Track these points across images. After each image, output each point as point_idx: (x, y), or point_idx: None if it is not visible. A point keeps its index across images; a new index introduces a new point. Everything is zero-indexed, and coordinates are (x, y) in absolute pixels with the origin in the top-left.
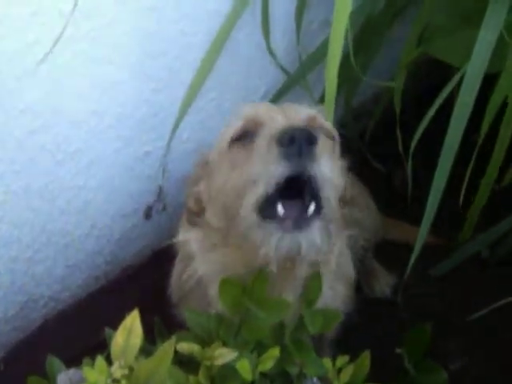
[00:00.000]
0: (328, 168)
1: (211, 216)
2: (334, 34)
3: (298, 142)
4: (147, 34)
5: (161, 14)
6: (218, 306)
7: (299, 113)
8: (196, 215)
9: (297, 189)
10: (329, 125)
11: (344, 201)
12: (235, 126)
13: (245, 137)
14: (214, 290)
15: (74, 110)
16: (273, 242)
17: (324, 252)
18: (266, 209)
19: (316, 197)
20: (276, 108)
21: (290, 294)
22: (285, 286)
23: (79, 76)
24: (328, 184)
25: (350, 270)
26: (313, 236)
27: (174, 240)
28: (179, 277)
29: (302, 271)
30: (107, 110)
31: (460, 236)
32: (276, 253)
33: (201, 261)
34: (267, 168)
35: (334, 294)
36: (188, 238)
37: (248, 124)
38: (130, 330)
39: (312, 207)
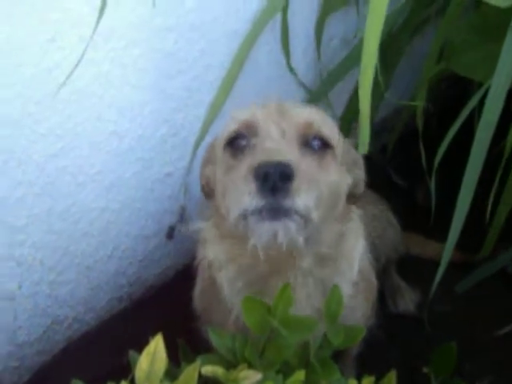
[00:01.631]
0: (306, 199)
1: (219, 204)
2: (366, 49)
3: (271, 179)
4: (165, 55)
5: (178, 35)
6: (236, 310)
7: (296, 118)
8: (208, 195)
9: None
10: (327, 130)
11: (355, 197)
12: (230, 129)
13: (238, 142)
14: (223, 284)
15: (94, 132)
16: (255, 233)
17: (325, 244)
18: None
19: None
20: (272, 112)
21: (301, 290)
22: (290, 278)
23: (98, 98)
24: (308, 208)
25: (371, 278)
26: (289, 226)
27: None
28: (202, 288)
29: (306, 263)
30: (127, 132)
31: (482, 251)
32: (259, 242)
33: (211, 250)
34: (242, 197)
35: (354, 304)
36: (201, 226)
37: (241, 128)
38: (153, 355)
39: (290, 202)
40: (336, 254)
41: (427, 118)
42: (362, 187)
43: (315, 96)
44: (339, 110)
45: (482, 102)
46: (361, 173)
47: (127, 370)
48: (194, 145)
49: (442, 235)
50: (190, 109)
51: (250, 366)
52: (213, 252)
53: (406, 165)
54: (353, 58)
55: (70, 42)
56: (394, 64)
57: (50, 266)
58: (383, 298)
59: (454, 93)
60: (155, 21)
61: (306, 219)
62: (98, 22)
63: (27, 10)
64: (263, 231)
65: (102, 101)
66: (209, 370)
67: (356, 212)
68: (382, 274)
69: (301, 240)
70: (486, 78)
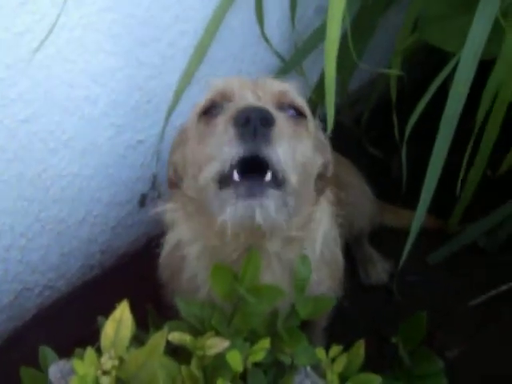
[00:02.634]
0: (285, 150)
1: (186, 186)
2: (330, 18)
3: (252, 123)
4: (139, 21)
5: (152, 1)
6: (205, 285)
7: (270, 87)
8: (174, 185)
9: (256, 163)
10: (300, 101)
11: (324, 179)
12: (204, 98)
13: (212, 110)
14: (190, 262)
15: (66, 97)
16: (228, 209)
17: (295, 227)
18: (222, 181)
19: (274, 172)
20: (248, 82)
21: (268, 273)
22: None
23: (71, 64)
24: (286, 164)
25: (336, 253)
26: (267, 204)
27: (153, 211)
28: (167, 256)
29: (274, 246)
30: (100, 98)
31: (451, 219)
32: (231, 220)
33: (178, 229)
34: (222, 148)
35: (319, 278)
36: (165, 208)
37: (216, 97)
38: (119, 321)
39: (268, 177)
40: (302, 236)
41: (402, 88)
42: (330, 171)
43: (289, 65)
44: (313, 81)
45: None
46: (329, 156)
47: (97, 337)
48: (166, 112)
49: (415, 205)
50: (163, 76)
51: (218, 333)
52: (180, 231)
53: (380, 135)
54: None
55: (41, 6)
56: (368, 35)
57: (20, 231)
58: (355, 268)
59: (429, 64)
60: None
61: (284, 184)
62: None
63: None
64: (239, 209)
65: (75, 66)
66: (176, 337)
67: (326, 195)
68: (355, 244)
69: (280, 218)
70: (458, 49)
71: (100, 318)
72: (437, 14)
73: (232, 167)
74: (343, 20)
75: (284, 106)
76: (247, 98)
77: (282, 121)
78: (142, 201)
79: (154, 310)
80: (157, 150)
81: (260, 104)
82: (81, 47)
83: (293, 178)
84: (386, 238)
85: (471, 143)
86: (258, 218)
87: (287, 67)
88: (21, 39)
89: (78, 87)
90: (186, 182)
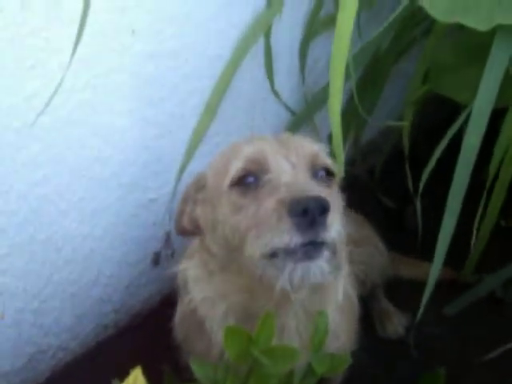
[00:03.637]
0: (338, 231)
1: (211, 243)
2: (333, 73)
3: (311, 214)
4: (147, 81)
5: (159, 61)
6: (221, 344)
7: (302, 151)
8: (190, 233)
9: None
10: (330, 162)
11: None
12: (235, 168)
13: (246, 180)
14: (213, 322)
15: (76, 159)
16: (286, 275)
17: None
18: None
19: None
20: (278, 147)
21: (291, 322)
22: (282, 310)
23: (80, 125)
24: (339, 237)
25: (353, 301)
26: (323, 265)
27: (170, 271)
28: (182, 317)
29: (300, 295)
30: (109, 158)
31: (464, 269)
32: (291, 284)
33: (198, 288)
34: (278, 236)
35: (336, 330)
36: (185, 266)
37: (249, 166)
38: None
39: (324, 251)
40: (327, 284)
41: (415, 140)
42: (353, 230)
43: (300, 119)
44: (325, 133)
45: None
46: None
47: None
48: (178, 170)
49: (430, 256)
50: (173, 134)
51: None
52: (201, 291)
53: (394, 186)
54: None
55: (50, 70)
56: (380, 85)
57: (33, 294)
58: (371, 321)
59: (442, 115)
60: (135, 47)
61: (334, 252)
62: (74, 48)
63: (8, 37)
64: (296, 273)
65: (85, 128)
66: None
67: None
68: (370, 297)
69: (331, 276)
70: (469, 100)
71: (114, 382)
72: (447, 64)
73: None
74: (352, 73)
75: (316, 168)
76: (284, 168)
77: (331, 200)
78: (156, 259)
79: (169, 370)
80: (169, 208)
81: (314, 192)
82: (90, 108)
83: (340, 246)
84: (401, 290)
85: (485, 194)
86: (315, 278)
87: (298, 121)
88: (29, 103)
89: (87, 148)
90: (212, 241)
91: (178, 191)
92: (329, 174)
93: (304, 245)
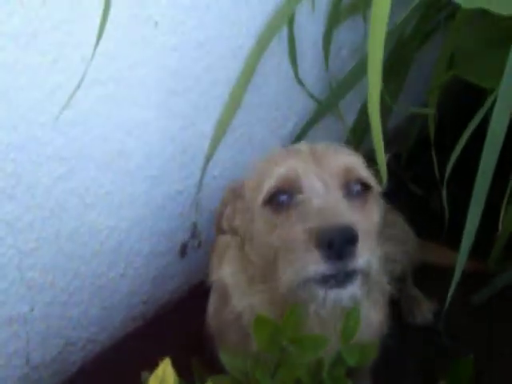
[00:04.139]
0: (368, 260)
1: (250, 251)
2: (371, 59)
3: (337, 246)
4: (170, 73)
5: (182, 53)
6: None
7: (335, 167)
8: (223, 231)
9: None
10: (366, 174)
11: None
12: (268, 186)
13: (278, 198)
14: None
15: (101, 152)
16: (318, 301)
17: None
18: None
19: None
20: (311, 164)
21: (329, 326)
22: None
23: (104, 119)
24: (369, 266)
25: (385, 291)
26: (355, 290)
27: (209, 279)
28: (215, 311)
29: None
30: (134, 151)
31: (490, 259)
32: (322, 309)
33: (239, 296)
34: (306, 267)
35: (368, 321)
36: (223, 274)
37: (282, 185)
38: (162, 379)
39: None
40: None
41: (442, 123)
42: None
43: (325, 107)
44: (350, 120)
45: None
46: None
47: None
48: (203, 161)
49: (457, 243)
50: (197, 126)
51: None
52: (242, 298)
53: (420, 173)
54: (362, 68)
55: (72, 64)
56: (404, 72)
57: (61, 287)
58: (400, 308)
59: (468, 100)
60: (159, 40)
61: (367, 276)
62: (97, 42)
63: (30, 32)
64: (329, 299)
65: (109, 121)
66: None
67: None
68: (399, 284)
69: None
70: (495, 86)
71: (144, 374)
72: (472, 49)
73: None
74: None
75: (351, 183)
76: (316, 188)
77: (359, 224)
78: (183, 250)
79: (199, 362)
80: (195, 199)
81: (341, 219)
82: (113, 102)
83: (374, 268)
84: (428, 277)
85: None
86: (347, 303)
87: (323, 109)
88: (53, 97)
89: (112, 141)
90: (250, 249)
91: (203, 182)
92: (365, 186)
93: (335, 275)
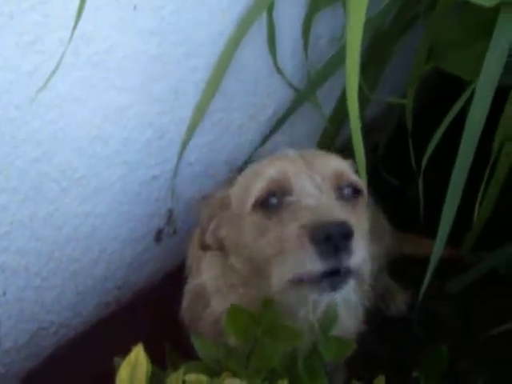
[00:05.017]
0: (363, 256)
1: (235, 261)
2: (349, 48)
3: (334, 240)
4: (149, 58)
5: (162, 38)
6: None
7: (326, 169)
8: (207, 247)
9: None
10: (356, 179)
11: None
12: (258, 189)
13: (269, 201)
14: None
15: (78, 136)
16: (309, 304)
17: None
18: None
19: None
20: (301, 166)
21: (303, 320)
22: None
23: (81, 102)
24: (362, 266)
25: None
26: (348, 293)
27: (188, 286)
28: (189, 299)
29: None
30: (111, 135)
31: (464, 246)
32: (314, 314)
33: (219, 300)
34: (300, 264)
35: (345, 311)
36: (202, 279)
37: (271, 187)
38: (134, 365)
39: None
40: None
41: (419, 114)
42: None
43: (303, 95)
44: (328, 109)
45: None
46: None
47: (115, 375)
48: (180, 147)
49: (432, 232)
50: (175, 111)
51: (235, 374)
52: (221, 303)
53: (397, 164)
54: (340, 57)
55: (50, 46)
56: (383, 62)
57: (34, 271)
58: (375, 299)
59: (446, 89)
60: (137, 23)
61: (361, 278)
62: (75, 24)
63: (8, 12)
64: (321, 303)
65: (85, 105)
66: (192, 378)
67: None
68: (374, 275)
69: (356, 301)
70: (474, 77)
71: (116, 359)
72: (452, 40)
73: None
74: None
75: (342, 186)
76: (307, 189)
77: (356, 223)
78: (158, 236)
79: (172, 348)
80: (171, 185)
81: (335, 215)
82: (91, 85)
83: (366, 269)
84: (404, 268)
85: (487, 172)
86: (340, 305)
87: (301, 98)
88: (30, 79)
89: (88, 126)
90: (236, 259)
91: (180, 168)
92: (355, 190)
93: (328, 274)
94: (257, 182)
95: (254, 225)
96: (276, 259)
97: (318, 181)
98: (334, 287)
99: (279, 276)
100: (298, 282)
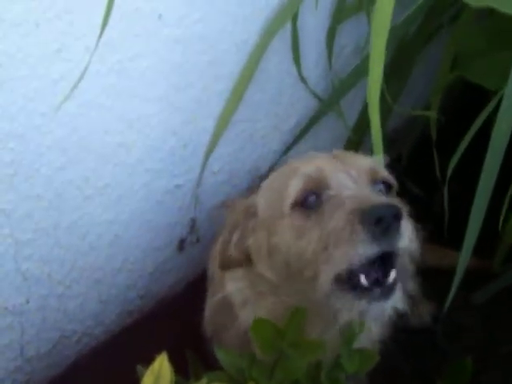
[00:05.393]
0: (410, 238)
1: (265, 270)
2: (373, 58)
3: (386, 221)
4: (173, 66)
5: (186, 47)
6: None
7: (361, 165)
8: (235, 265)
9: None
10: (388, 175)
11: None
12: (295, 188)
13: (307, 200)
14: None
15: (102, 144)
16: (356, 311)
17: None
18: (345, 281)
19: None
20: (337, 163)
21: (330, 332)
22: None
23: (105, 110)
24: (408, 252)
25: None
26: (397, 301)
27: (210, 299)
28: (213, 311)
29: None
30: (135, 144)
31: (494, 261)
32: (360, 318)
33: (248, 312)
34: (352, 249)
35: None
36: (228, 292)
37: (309, 185)
38: (158, 375)
39: (393, 274)
40: None
41: (444, 126)
42: None
43: (327, 105)
44: (352, 120)
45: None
46: None
47: None
48: (203, 156)
49: (458, 244)
50: (198, 121)
51: None
52: (251, 314)
53: (422, 174)
54: (364, 67)
55: (76, 54)
56: (407, 72)
57: (58, 279)
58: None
59: (471, 99)
60: (162, 32)
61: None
62: (101, 32)
63: (33, 20)
64: (370, 312)
65: (110, 113)
66: None
67: None
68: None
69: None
70: (499, 86)
71: (139, 368)
72: (476, 50)
73: (358, 268)
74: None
75: (376, 182)
76: (345, 183)
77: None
78: (181, 245)
79: (194, 357)
80: (195, 194)
81: (386, 199)
82: (115, 94)
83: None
84: (428, 279)
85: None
86: (389, 315)
87: (325, 107)
88: (55, 87)
89: (112, 134)
90: (267, 267)
91: (203, 177)
92: (388, 186)
93: (380, 261)
94: (292, 182)
95: (292, 226)
96: (322, 256)
97: (355, 175)
98: (386, 295)
99: (328, 273)
100: (346, 289)
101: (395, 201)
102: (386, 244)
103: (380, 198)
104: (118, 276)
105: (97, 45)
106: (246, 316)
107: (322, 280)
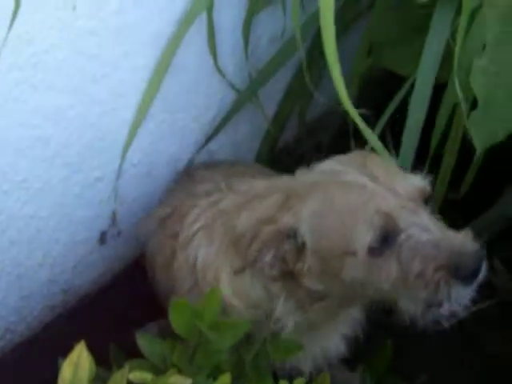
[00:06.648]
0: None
1: (313, 285)
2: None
3: (480, 271)
4: (89, 58)
5: (101, 38)
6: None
7: (411, 190)
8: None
9: None
10: (430, 189)
11: None
12: (366, 238)
13: (381, 245)
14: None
15: (18, 138)
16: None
17: None
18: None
19: None
20: (401, 200)
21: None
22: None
23: (22, 103)
24: None
25: None
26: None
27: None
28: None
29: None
30: (52, 137)
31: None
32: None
33: (291, 320)
34: (449, 299)
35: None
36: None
37: (381, 233)
38: (77, 364)
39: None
40: None
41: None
42: None
43: (245, 97)
44: (270, 112)
45: None
46: None
47: None
48: (123, 149)
49: None
50: (116, 112)
51: (180, 371)
52: (293, 320)
53: None
54: (281, 57)
55: None
56: (326, 61)
57: None
58: None
59: (389, 87)
60: (77, 24)
61: None
62: (11, 24)
63: None
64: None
65: (26, 106)
66: (137, 375)
67: None
68: None
69: None
70: (413, 73)
71: (60, 360)
72: (390, 37)
73: None
74: (301, 47)
75: (424, 200)
76: (413, 220)
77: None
78: (102, 238)
79: (117, 348)
80: (115, 186)
81: (475, 247)
82: (31, 86)
83: None
84: None
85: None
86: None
87: (243, 99)
88: None
89: (29, 127)
90: (318, 283)
91: (123, 169)
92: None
93: None
94: (359, 228)
95: (364, 265)
96: (402, 293)
97: (413, 208)
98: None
99: (413, 308)
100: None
101: (473, 240)
102: (476, 283)
103: (462, 242)
104: (40, 271)
105: (6, 36)
106: (289, 323)
107: (404, 310)
